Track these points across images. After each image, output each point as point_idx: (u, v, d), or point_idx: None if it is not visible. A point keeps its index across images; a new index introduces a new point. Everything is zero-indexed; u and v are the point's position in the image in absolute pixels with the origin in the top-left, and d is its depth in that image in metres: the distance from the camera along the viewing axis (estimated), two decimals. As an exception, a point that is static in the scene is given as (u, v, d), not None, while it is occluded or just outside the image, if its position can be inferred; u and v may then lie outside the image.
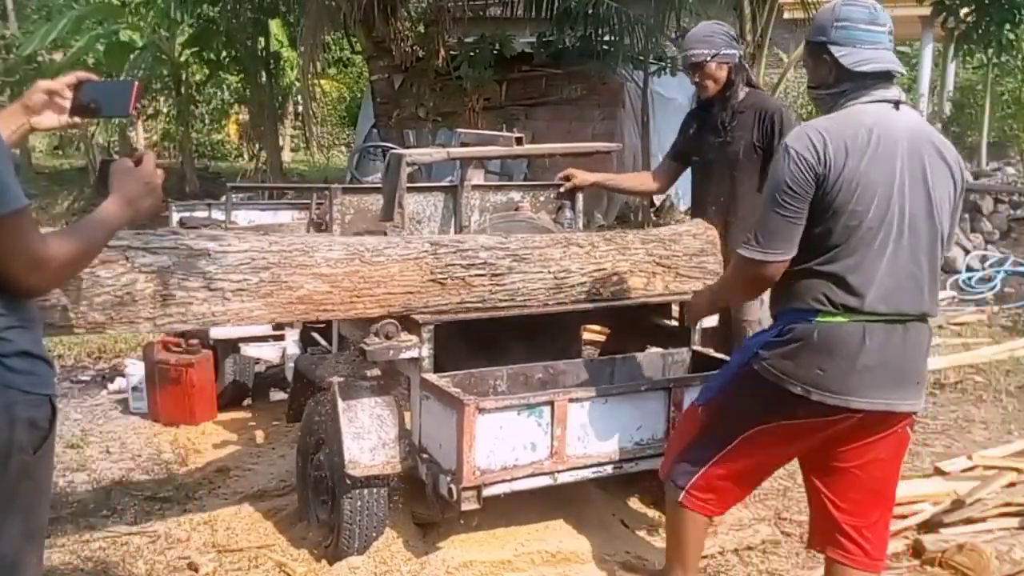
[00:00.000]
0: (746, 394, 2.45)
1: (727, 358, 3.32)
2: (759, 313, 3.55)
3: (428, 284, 2.95)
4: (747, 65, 3.81)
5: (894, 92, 2.34)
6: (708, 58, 3.60)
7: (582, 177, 4.08)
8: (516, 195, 4.21)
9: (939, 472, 3.89)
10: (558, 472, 2.88)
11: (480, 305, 3.07)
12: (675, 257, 3.41)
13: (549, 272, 3.15)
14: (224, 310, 2.64)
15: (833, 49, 2.33)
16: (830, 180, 2.23)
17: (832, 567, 2.51)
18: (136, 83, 1.93)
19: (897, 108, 2.32)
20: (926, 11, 11.54)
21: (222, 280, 2.63)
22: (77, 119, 1.92)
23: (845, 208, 2.24)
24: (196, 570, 3.19)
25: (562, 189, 4.12)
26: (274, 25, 13.94)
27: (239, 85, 15.33)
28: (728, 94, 3.66)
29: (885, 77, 2.33)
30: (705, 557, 3.27)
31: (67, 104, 1.90)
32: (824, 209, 2.25)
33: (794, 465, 4.22)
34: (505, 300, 3.09)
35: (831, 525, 2.48)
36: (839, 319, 2.27)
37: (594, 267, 3.25)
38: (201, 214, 6.64)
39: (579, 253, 3.24)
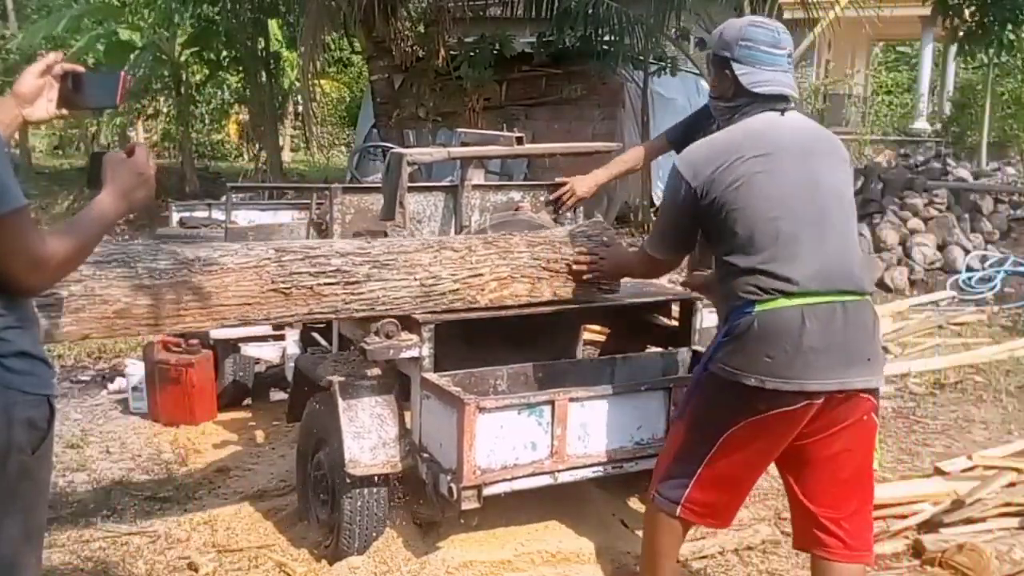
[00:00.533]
0: (712, 400, 2.48)
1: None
2: None
3: (269, 294, 2.77)
4: None
5: (781, 105, 2.49)
6: None
7: (583, 188, 3.83)
8: (516, 195, 4.20)
9: (939, 472, 3.89)
10: (558, 471, 2.88)
11: (333, 315, 2.95)
12: (565, 261, 3.22)
13: (415, 279, 2.99)
14: None
15: (735, 67, 2.46)
16: (718, 189, 2.39)
17: (816, 564, 2.51)
18: (122, 73, 1.93)
19: (782, 114, 2.48)
20: (926, 11, 11.55)
21: None
22: (65, 111, 1.91)
23: (748, 207, 2.37)
24: (196, 570, 3.19)
25: (563, 207, 3.87)
26: (274, 25, 13.95)
27: (239, 85, 15.34)
28: None
29: (780, 99, 2.48)
30: (704, 557, 3.28)
31: (55, 95, 1.88)
32: (726, 213, 2.39)
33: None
34: (362, 309, 2.94)
35: (809, 521, 2.49)
36: (775, 304, 2.33)
37: (469, 273, 3.08)
38: (201, 214, 6.66)
39: (452, 258, 3.07)
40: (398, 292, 2.96)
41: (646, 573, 2.70)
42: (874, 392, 2.41)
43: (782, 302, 2.32)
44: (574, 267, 3.19)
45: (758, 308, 2.34)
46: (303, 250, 2.88)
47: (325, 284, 2.85)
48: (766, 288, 2.34)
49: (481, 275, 3.09)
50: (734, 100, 2.50)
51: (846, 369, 2.34)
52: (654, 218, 9.39)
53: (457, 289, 3.06)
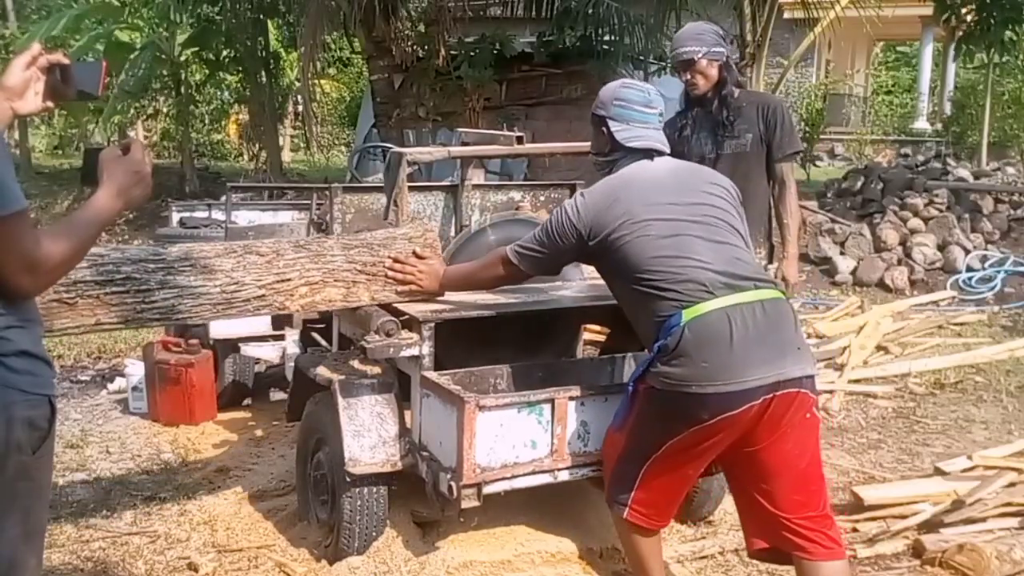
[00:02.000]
0: (653, 412, 2.52)
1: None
2: None
3: (51, 304, 2.60)
4: (734, 65, 3.86)
5: (654, 155, 2.73)
6: (699, 55, 3.63)
7: None
8: (516, 195, 4.20)
9: (939, 472, 3.89)
10: (558, 470, 2.88)
11: (123, 325, 2.82)
12: (383, 263, 3.12)
13: (215, 285, 2.86)
14: None
15: (611, 124, 2.74)
16: (605, 229, 2.58)
17: (801, 566, 2.52)
18: (104, 62, 1.92)
19: (652, 159, 2.72)
20: (926, 11, 11.55)
21: None
22: (50, 103, 1.89)
23: (640, 234, 2.53)
24: (196, 570, 3.19)
25: None
26: (274, 25, 13.95)
27: (239, 85, 15.33)
28: (724, 92, 3.69)
29: (651, 153, 2.72)
30: (704, 557, 3.28)
31: (42, 87, 1.86)
32: (619, 247, 2.56)
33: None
34: (157, 319, 2.84)
35: (783, 528, 2.50)
36: (701, 309, 2.43)
37: (275, 278, 2.96)
38: (201, 214, 6.67)
39: (257, 263, 2.95)
40: (195, 300, 2.84)
41: (635, 570, 2.76)
42: (810, 384, 2.46)
43: (706, 305, 2.42)
44: (388, 275, 3.10)
45: (685, 317, 2.42)
46: (91, 257, 2.72)
47: (112, 292, 2.71)
48: (687, 294, 2.44)
49: (289, 280, 2.98)
50: (610, 155, 2.76)
51: (781, 360, 2.41)
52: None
53: (263, 295, 2.95)
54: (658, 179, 2.66)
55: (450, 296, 3.19)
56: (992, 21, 9.73)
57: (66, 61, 1.87)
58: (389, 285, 3.11)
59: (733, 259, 2.51)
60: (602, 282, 3.51)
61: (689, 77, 3.69)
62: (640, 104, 2.72)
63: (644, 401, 2.54)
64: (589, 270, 3.51)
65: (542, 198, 4.21)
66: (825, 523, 2.51)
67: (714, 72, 3.66)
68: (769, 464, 2.48)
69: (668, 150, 2.76)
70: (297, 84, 13.73)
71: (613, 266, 2.61)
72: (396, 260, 3.09)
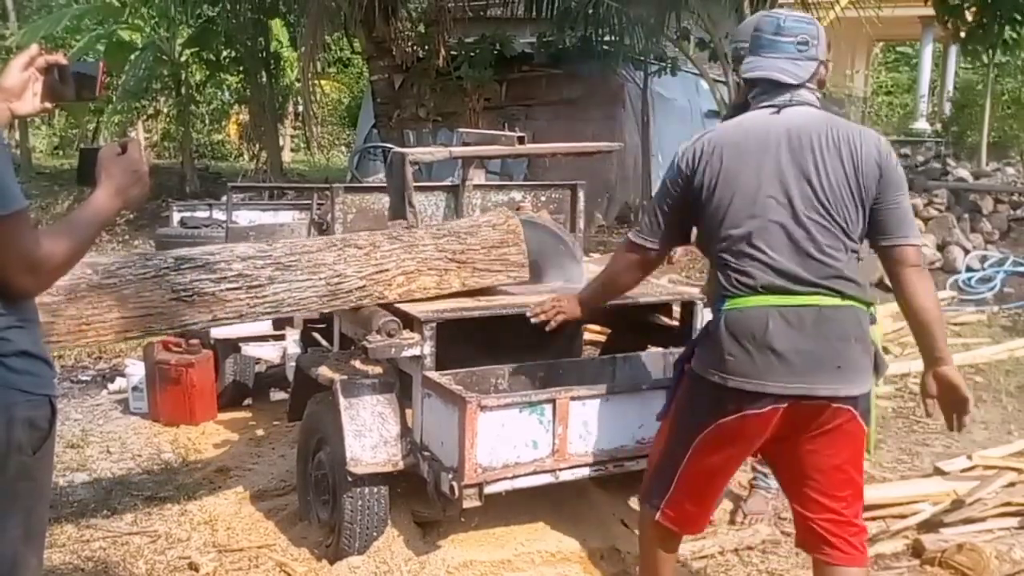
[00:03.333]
0: (687, 398, 2.48)
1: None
2: None
3: (171, 303, 2.76)
4: None
5: (782, 99, 2.40)
6: None
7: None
8: (516, 195, 4.21)
9: (939, 472, 3.89)
10: (559, 470, 2.88)
11: (239, 319, 2.95)
12: (471, 251, 3.24)
13: (320, 278, 3.00)
14: None
15: (745, 59, 2.47)
16: (700, 180, 2.39)
17: (819, 568, 2.49)
18: (102, 63, 1.92)
19: (779, 111, 2.39)
20: (927, 11, 11.54)
21: None
22: (49, 104, 1.89)
23: (723, 202, 2.36)
24: (196, 570, 3.19)
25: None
26: (280, 24, 13.94)
27: (239, 85, 15.32)
28: None
29: (773, 85, 2.40)
30: (704, 557, 3.28)
31: (40, 88, 1.86)
32: (705, 208, 2.40)
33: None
34: (269, 312, 2.96)
35: (807, 525, 2.47)
36: (743, 302, 2.32)
37: (375, 269, 3.09)
38: (202, 214, 6.66)
39: (357, 255, 3.07)
40: (304, 293, 2.97)
41: (645, 574, 2.70)
42: (848, 400, 2.32)
43: (751, 300, 2.30)
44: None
45: (727, 305, 2.33)
46: (204, 256, 2.88)
47: (227, 289, 2.85)
48: (735, 285, 2.32)
49: (387, 271, 3.10)
50: (742, 100, 2.51)
51: (813, 375, 2.27)
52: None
53: (364, 286, 3.06)
54: (767, 142, 2.35)
55: (450, 296, 3.19)
56: (998, 20, 9.71)
57: (64, 62, 1.87)
58: (477, 272, 3.24)
59: (805, 257, 2.30)
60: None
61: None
62: (769, 31, 2.40)
63: (684, 386, 2.51)
64: (590, 269, 3.51)
65: (543, 198, 4.22)
66: (849, 529, 2.44)
67: None
68: (797, 462, 2.42)
69: (791, 80, 2.38)
70: (297, 84, 13.72)
71: (699, 226, 2.48)
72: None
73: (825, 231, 2.32)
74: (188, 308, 2.79)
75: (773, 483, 3.65)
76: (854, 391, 2.32)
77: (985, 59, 10.56)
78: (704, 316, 3.41)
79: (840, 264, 2.33)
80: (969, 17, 10.00)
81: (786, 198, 2.32)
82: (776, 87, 2.39)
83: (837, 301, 2.31)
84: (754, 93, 2.44)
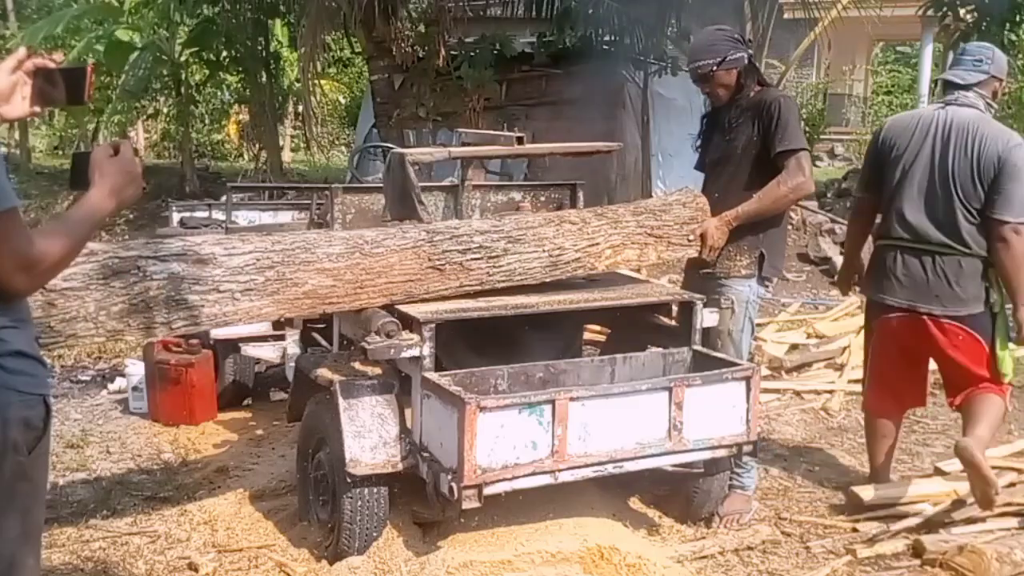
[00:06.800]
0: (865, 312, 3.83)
1: (727, 358, 3.35)
2: (727, 323, 3.53)
3: (427, 271, 3.07)
4: (756, 64, 3.70)
5: (950, 97, 3.53)
6: (714, 67, 3.49)
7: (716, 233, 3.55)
8: (516, 195, 4.21)
9: (939, 472, 3.89)
10: (559, 471, 2.88)
11: (479, 287, 3.19)
12: (665, 227, 3.52)
13: (544, 251, 3.26)
14: (235, 310, 2.79)
15: None
16: (881, 153, 3.61)
17: (964, 403, 3.54)
18: (90, 67, 1.89)
19: (945, 107, 3.51)
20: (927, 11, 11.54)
21: (230, 282, 2.77)
22: (38, 108, 1.87)
23: (890, 171, 3.55)
24: (196, 570, 3.19)
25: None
26: (274, 25, 13.93)
27: (239, 85, 15.31)
28: (739, 96, 3.55)
29: (950, 85, 3.56)
30: (704, 557, 3.28)
31: (29, 92, 1.84)
32: (882, 171, 3.60)
33: (793, 464, 4.23)
34: (503, 280, 3.21)
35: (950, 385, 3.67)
36: (883, 243, 3.59)
37: (587, 243, 3.35)
38: (201, 214, 6.65)
39: (572, 230, 3.34)
40: (531, 264, 3.25)
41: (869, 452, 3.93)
42: (953, 318, 3.42)
43: (887, 241, 3.55)
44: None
45: (876, 241, 3.64)
46: (449, 230, 3.19)
47: (472, 259, 3.15)
48: (882, 231, 3.59)
49: (597, 244, 3.39)
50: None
51: (915, 296, 3.46)
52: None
53: (579, 258, 3.35)
54: (931, 131, 3.46)
55: (450, 297, 3.19)
56: (991, 21, 9.70)
57: (52, 65, 1.86)
58: (672, 246, 3.54)
59: (926, 219, 3.44)
60: (603, 282, 3.53)
61: (709, 90, 3.58)
62: (960, 53, 3.66)
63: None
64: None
65: (542, 198, 4.22)
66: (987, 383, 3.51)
67: (732, 79, 3.52)
68: (931, 357, 3.66)
69: (959, 80, 3.54)
70: (297, 84, 13.72)
71: (881, 183, 3.62)
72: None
73: (946, 200, 3.40)
74: (440, 275, 3.10)
75: (750, 482, 3.66)
76: (951, 312, 3.42)
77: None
78: (705, 317, 3.42)
79: (958, 226, 3.39)
80: (965, 15, 9.98)
81: (925, 175, 3.45)
82: (949, 87, 3.54)
83: (947, 250, 3.41)
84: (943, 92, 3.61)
